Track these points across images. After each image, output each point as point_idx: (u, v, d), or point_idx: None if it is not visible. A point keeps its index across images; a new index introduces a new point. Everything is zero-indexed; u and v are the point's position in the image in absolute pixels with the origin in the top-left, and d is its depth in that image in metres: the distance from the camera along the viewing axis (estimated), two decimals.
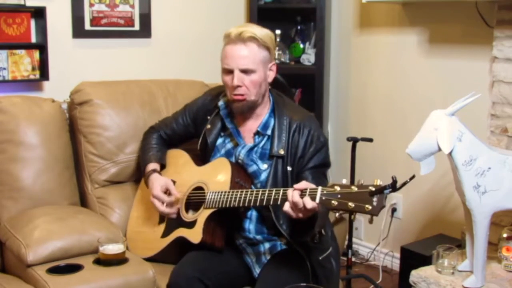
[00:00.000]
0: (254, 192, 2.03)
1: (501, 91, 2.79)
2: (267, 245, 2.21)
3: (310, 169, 2.17)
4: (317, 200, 1.82)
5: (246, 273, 2.22)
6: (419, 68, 3.26)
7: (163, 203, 2.25)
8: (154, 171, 2.35)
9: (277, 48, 3.47)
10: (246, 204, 2.05)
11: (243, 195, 2.05)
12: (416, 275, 2.44)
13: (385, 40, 3.44)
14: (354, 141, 3.20)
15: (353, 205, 1.76)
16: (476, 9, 2.88)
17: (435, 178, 3.13)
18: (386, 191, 1.72)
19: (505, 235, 2.45)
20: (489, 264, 2.44)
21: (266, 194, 2.00)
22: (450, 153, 2.19)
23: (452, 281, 2.34)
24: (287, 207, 1.88)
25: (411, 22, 3.28)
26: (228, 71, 2.18)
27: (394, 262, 3.42)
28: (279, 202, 1.96)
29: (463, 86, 2.95)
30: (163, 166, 2.42)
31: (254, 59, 2.15)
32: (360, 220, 3.66)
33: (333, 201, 1.80)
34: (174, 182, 2.32)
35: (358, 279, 3.26)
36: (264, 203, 2.01)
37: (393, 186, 1.70)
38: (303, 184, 1.91)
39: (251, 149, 2.23)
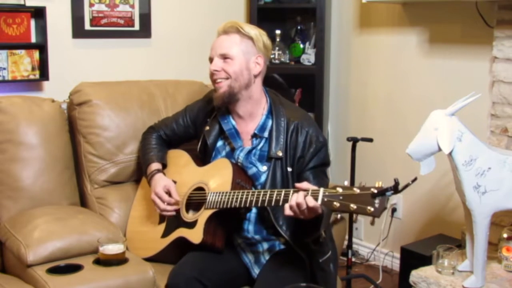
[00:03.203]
0: (256, 193, 2.03)
1: (501, 91, 2.79)
2: (265, 245, 2.21)
3: (310, 169, 2.16)
4: (319, 201, 1.82)
5: (245, 273, 2.21)
6: (419, 68, 3.26)
7: (163, 202, 2.25)
8: (158, 171, 2.35)
9: (277, 48, 3.46)
10: (247, 205, 2.04)
11: (244, 196, 2.05)
12: (416, 275, 2.44)
13: (385, 40, 3.44)
14: (354, 141, 3.20)
15: (355, 207, 1.75)
16: (476, 9, 2.88)
17: (435, 178, 3.13)
18: (388, 193, 1.71)
19: (505, 235, 2.45)
20: (489, 264, 2.44)
21: (268, 195, 1.99)
22: (450, 153, 2.19)
23: (452, 281, 2.34)
24: (288, 211, 1.88)
25: (411, 22, 3.28)
26: (211, 61, 2.23)
27: (394, 262, 3.42)
28: (280, 203, 1.95)
29: (463, 86, 2.95)
30: (164, 166, 2.41)
31: (233, 47, 2.19)
32: (361, 220, 3.66)
33: (335, 203, 1.79)
34: (175, 182, 2.32)
35: (358, 279, 3.26)
36: (266, 204, 2.00)
37: (395, 188, 1.69)
38: (304, 185, 1.91)
39: (250, 151, 2.22)
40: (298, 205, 1.85)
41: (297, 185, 1.91)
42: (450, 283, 2.33)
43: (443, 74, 3.14)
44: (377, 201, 1.73)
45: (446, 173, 2.82)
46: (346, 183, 1.86)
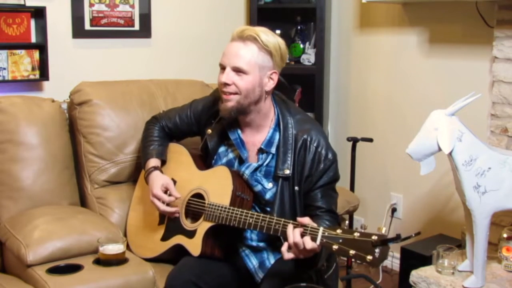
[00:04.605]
0: (255, 216, 1.99)
1: (501, 91, 2.79)
2: (270, 250, 2.17)
3: (319, 187, 2.10)
4: (318, 242, 1.79)
5: (246, 278, 2.17)
6: (419, 68, 3.26)
7: (163, 202, 2.21)
8: (155, 168, 2.29)
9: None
10: (245, 227, 2.01)
11: (243, 217, 2.01)
12: (416, 275, 2.44)
13: (385, 40, 3.44)
14: (354, 141, 3.21)
15: (353, 253, 1.71)
16: (476, 9, 2.88)
17: (435, 178, 3.13)
18: (389, 243, 1.68)
19: (505, 235, 2.45)
20: (489, 264, 2.44)
21: (267, 222, 1.96)
22: (450, 153, 2.19)
23: (452, 281, 2.34)
24: (286, 255, 1.85)
25: (411, 22, 3.28)
26: (222, 68, 2.09)
27: (394, 262, 3.42)
28: (279, 234, 1.93)
29: (463, 86, 2.95)
30: (163, 162, 2.37)
31: (249, 60, 2.04)
32: (360, 220, 3.65)
33: (334, 246, 1.76)
34: (174, 181, 2.30)
35: (358, 279, 3.26)
36: (264, 231, 1.97)
37: (397, 239, 1.68)
38: (306, 220, 1.87)
39: (256, 169, 2.16)
40: (295, 244, 1.83)
41: (299, 219, 1.87)
42: (450, 283, 2.33)
43: (443, 74, 3.14)
44: (377, 250, 1.69)
45: (446, 173, 2.82)
46: (347, 223, 1.83)
